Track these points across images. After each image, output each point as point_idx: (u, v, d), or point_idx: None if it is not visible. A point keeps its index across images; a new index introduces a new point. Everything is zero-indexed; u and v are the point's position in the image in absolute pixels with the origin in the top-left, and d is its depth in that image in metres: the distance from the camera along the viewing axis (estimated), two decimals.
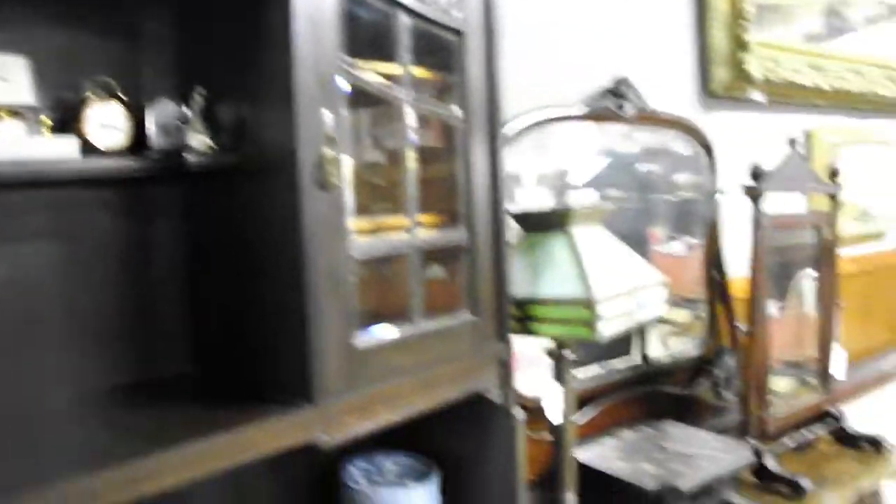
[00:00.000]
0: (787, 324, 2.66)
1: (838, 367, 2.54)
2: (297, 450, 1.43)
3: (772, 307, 2.61)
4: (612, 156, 2.44)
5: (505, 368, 1.60)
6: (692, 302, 2.66)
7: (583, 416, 2.23)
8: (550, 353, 1.83)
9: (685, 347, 2.59)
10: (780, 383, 2.49)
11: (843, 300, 3.35)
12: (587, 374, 2.30)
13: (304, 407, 1.22)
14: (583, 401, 2.25)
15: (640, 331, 2.48)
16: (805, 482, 2.16)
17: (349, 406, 1.28)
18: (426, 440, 1.74)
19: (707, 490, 2.04)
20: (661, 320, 2.57)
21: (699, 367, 2.58)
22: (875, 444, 2.50)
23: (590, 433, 2.23)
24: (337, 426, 1.27)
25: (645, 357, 2.47)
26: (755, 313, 2.28)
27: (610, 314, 1.62)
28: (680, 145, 2.60)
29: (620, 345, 2.46)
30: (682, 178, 2.68)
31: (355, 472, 1.69)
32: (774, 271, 2.49)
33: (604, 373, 2.35)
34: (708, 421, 2.52)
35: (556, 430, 1.86)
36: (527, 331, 1.71)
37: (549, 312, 1.67)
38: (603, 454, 2.11)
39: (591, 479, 2.03)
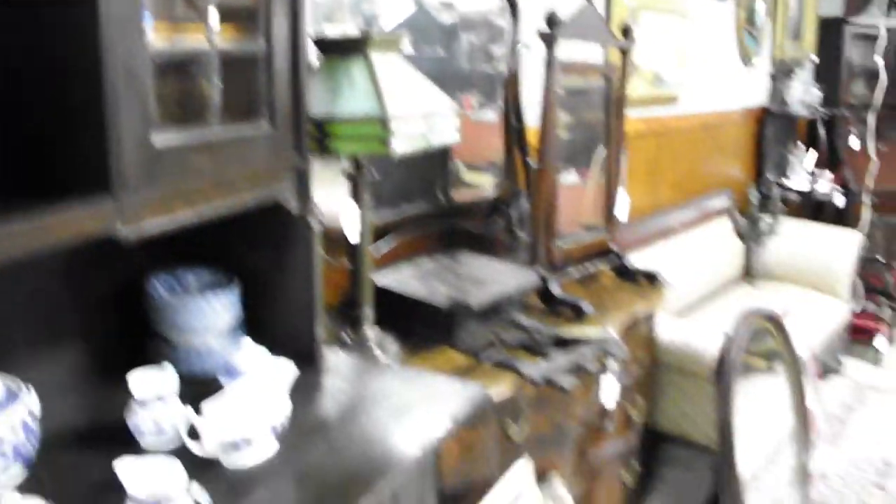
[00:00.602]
0: (587, 193, 2.86)
1: (621, 209, 2.76)
2: (99, 250, 1.49)
3: (572, 176, 2.80)
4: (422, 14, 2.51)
5: (302, 180, 1.67)
6: (497, 166, 2.81)
7: (383, 246, 2.35)
8: (348, 174, 1.92)
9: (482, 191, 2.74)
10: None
11: (632, 155, 3.61)
12: (390, 210, 2.42)
13: (103, 199, 1.26)
14: (383, 232, 2.37)
15: (442, 173, 2.61)
16: (586, 306, 2.38)
17: (147, 201, 1.32)
18: (228, 256, 1.80)
19: (496, 309, 2.22)
20: (465, 184, 2.72)
21: (495, 207, 2.74)
22: (651, 279, 2.76)
23: (389, 262, 2.36)
24: (135, 220, 1.31)
25: (446, 196, 2.60)
26: (544, 150, 2.43)
27: (403, 132, 1.72)
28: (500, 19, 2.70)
29: (423, 187, 2.58)
30: (499, 49, 2.79)
31: (158, 285, 1.74)
32: (575, 146, 2.68)
33: (405, 208, 2.47)
34: (501, 256, 2.69)
35: (353, 249, 1.97)
36: (325, 149, 1.78)
37: (346, 130, 1.75)
38: (400, 278, 2.24)
39: (389, 300, 2.17)
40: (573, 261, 2.70)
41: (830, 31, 5.31)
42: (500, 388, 1.93)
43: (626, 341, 2.46)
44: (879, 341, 4.80)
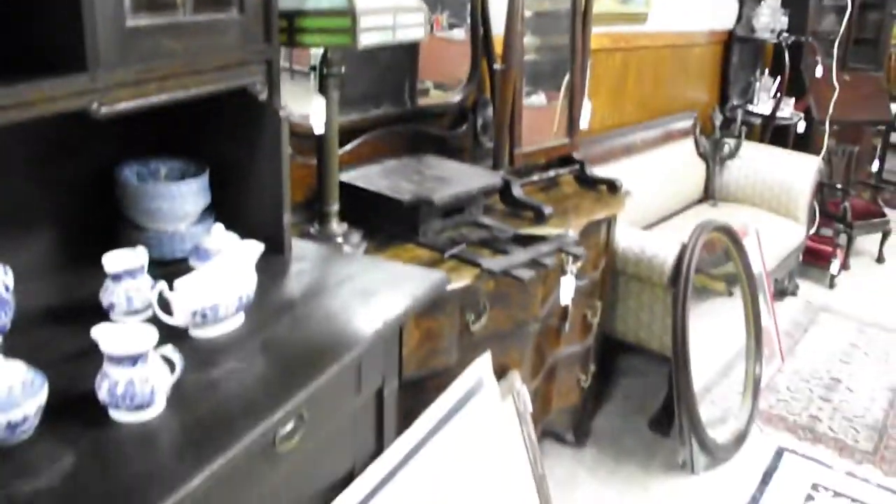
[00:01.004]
0: (554, 114, 2.91)
1: (584, 118, 2.82)
2: (72, 136, 1.53)
3: (540, 99, 2.85)
4: None
5: (272, 70, 1.71)
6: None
7: (349, 146, 2.40)
8: (316, 68, 1.96)
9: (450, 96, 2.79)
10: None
11: (597, 70, 3.66)
12: (357, 111, 2.47)
13: (78, 75, 1.30)
14: (350, 133, 2.42)
15: (410, 78, 2.65)
16: (547, 208, 2.45)
17: (121, 80, 1.37)
18: (198, 147, 1.84)
19: (459, 208, 2.29)
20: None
21: (462, 114, 2.79)
22: (611, 187, 2.83)
23: (355, 161, 2.41)
24: (110, 98, 1.36)
25: (412, 101, 2.64)
26: (508, 53, 2.47)
27: (370, 26, 1.76)
28: None
29: (390, 91, 2.63)
30: None
31: (130, 173, 1.78)
32: (543, 69, 2.72)
33: (372, 111, 2.52)
34: (466, 162, 2.75)
35: (320, 140, 2.02)
36: (294, 42, 1.82)
37: (315, 23, 1.79)
38: (366, 175, 2.30)
39: (355, 197, 2.23)
40: (536, 168, 2.77)
41: None
42: (461, 281, 2.00)
43: (584, 245, 2.54)
44: (834, 266, 4.94)
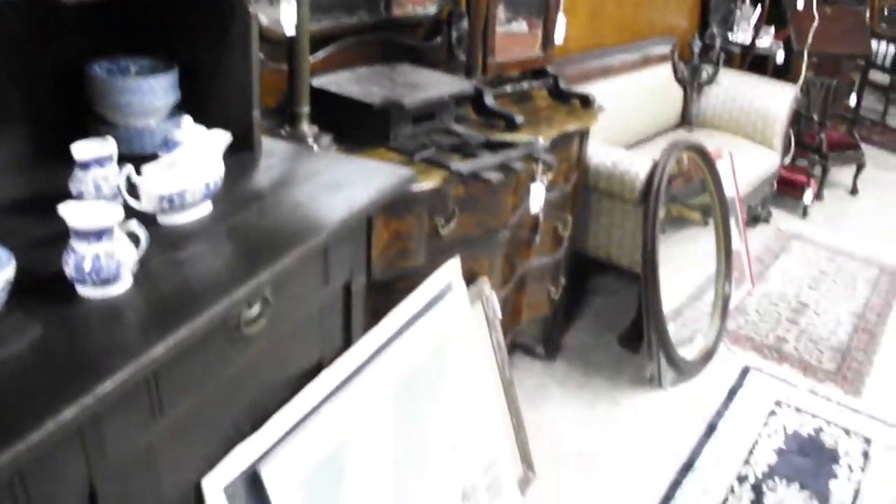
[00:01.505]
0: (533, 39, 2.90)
1: (558, 31, 2.82)
2: (40, 31, 1.52)
3: (521, 26, 2.84)
4: None
5: None
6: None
7: (322, 53, 2.39)
8: None
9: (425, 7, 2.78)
10: None
11: None
12: (330, 18, 2.45)
13: None
14: (323, 40, 2.41)
15: None
16: (518, 118, 2.46)
17: None
18: (168, 44, 1.83)
19: (431, 114, 2.30)
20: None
21: (437, 25, 2.78)
22: (584, 101, 2.84)
23: (328, 68, 2.40)
24: None
25: (387, 10, 2.63)
26: None
27: None
28: None
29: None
30: None
31: (100, 69, 1.78)
32: None
33: (344, 18, 2.50)
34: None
35: (291, 43, 2.01)
36: None
37: None
38: (337, 81, 2.30)
39: (327, 101, 2.23)
40: (509, 80, 2.77)
41: None
42: (430, 183, 2.02)
43: (555, 157, 2.57)
44: (807, 196, 4.99)
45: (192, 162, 1.52)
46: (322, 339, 1.76)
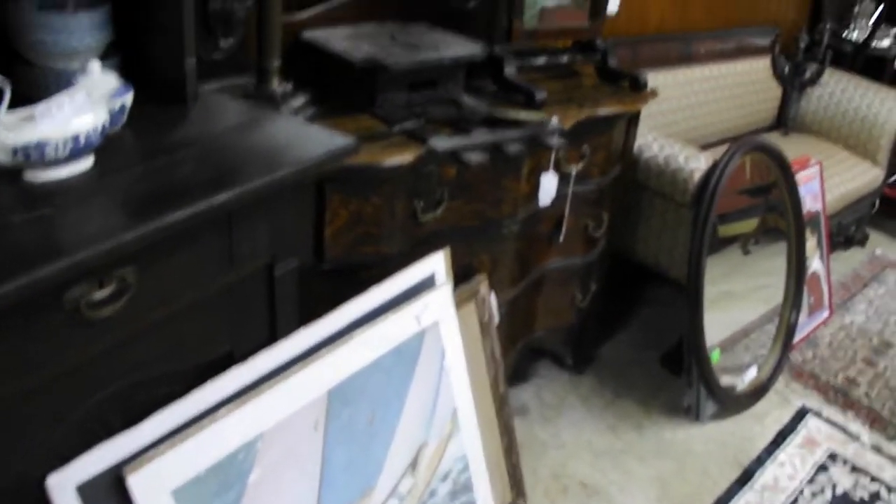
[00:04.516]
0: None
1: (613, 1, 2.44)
2: None
3: None
4: None
5: None
6: None
7: (325, 5, 2.10)
8: None
9: None
10: None
11: None
12: None
13: None
14: None
15: None
16: (540, 94, 2.11)
17: None
18: None
19: (429, 81, 1.98)
20: None
21: None
22: (634, 83, 2.46)
23: (335, 23, 2.11)
24: None
25: None
26: None
27: None
28: None
29: None
30: None
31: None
32: None
33: None
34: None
35: None
36: None
37: None
38: (330, 36, 2.00)
39: (314, 58, 1.95)
40: (545, 51, 2.41)
41: None
42: (401, 158, 1.71)
43: (585, 144, 2.21)
44: None
45: (64, 111, 1.25)
46: (232, 328, 1.49)
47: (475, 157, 1.72)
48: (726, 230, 2.78)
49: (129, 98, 1.45)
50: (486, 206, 1.99)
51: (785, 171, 2.90)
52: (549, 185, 2.08)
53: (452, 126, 1.87)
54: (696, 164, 2.57)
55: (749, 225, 3.08)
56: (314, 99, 1.89)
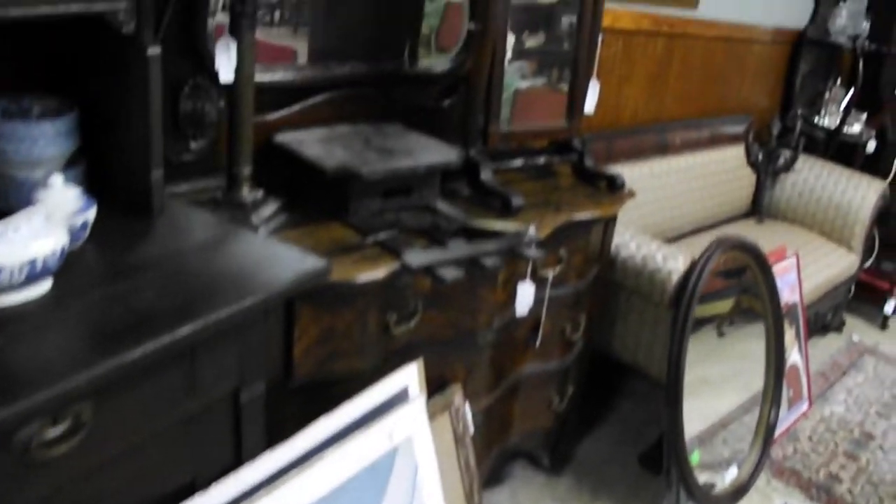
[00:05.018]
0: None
1: (589, 99, 2.43)
2: None
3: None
4: None
5: None
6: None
7: (298, 106, 2.07)
8: (230, 4, 1.63)
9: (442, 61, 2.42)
10: None
11: (634, 55, 3.25)
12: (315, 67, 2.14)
13: None
14: (304, 92, 2.09)
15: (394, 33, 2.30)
16: (517, 199, 2.08)
17: None
18: (71, 85, 1.55)
19: (404, 188, 1.94)
20: None
21: (455, 82, 2.42)
22: (611, 184, 2.44)
23: (307, 124, 2.07)
24: None
25: (399, 61, 2.27)
26: (490, 5, 2.08)
27: None
28: None
29: (367, 45, 2.28)
30: None
31: None
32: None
33: (336, 67, 2.17)
34: (446, 140, 2.39)
35: (230, 91, 1.69)
36: None
37: None
38: (303, 139, 1.97)
39: (285, 162, 1.91)
40: (522, 152, 2.38)
41: None
42: (375, 273, 1.66)
43: (564, 249, 2.18)
44: (889, 305, 4.44)
45: (21, 234, 1.20)
46: (195, 457, 1.41)
47: (450, 274, 1.67)
48: (702, 311, 2.73)
49: (91, 214, 1.40)
50: (461, 316, 1.93)
51: (763, 269, 2.88)
52: (526, 295, 2.03)
53: (427, 236, 1.83)
54: (674, 264, 2.53)
55: (724, 306, 3.05)
56: (286, 205, 1.84)
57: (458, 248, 1.76)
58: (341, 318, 1.67)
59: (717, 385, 3.08)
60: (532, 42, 2.35)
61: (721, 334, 3.34)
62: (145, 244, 1.45)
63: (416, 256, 1.68)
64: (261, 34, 1.79)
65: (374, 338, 1.75)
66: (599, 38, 2.37)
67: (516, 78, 2.30)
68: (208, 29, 1.84)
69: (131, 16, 1.39)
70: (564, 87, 2.44)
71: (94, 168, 1.57)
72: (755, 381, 3.17)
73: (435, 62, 2.39)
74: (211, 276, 1.35)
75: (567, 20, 2.43)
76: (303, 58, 2.11)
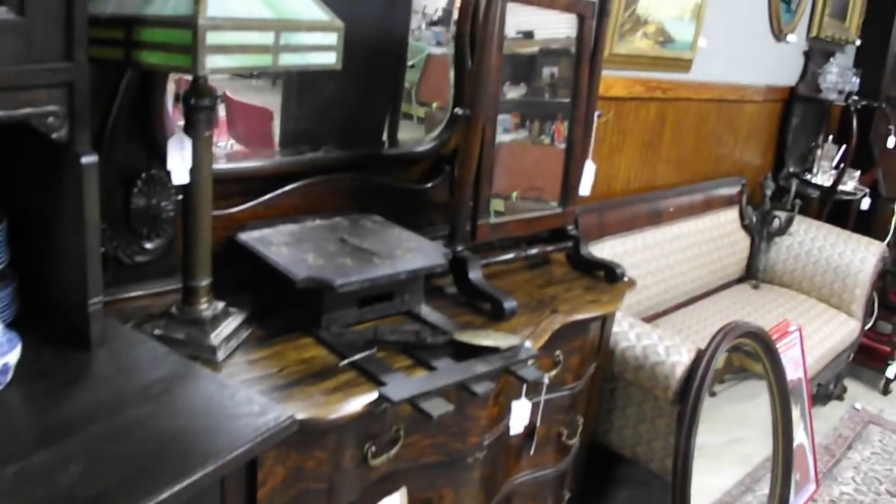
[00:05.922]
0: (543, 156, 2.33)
1: (584, 181, 2.24)
2: None
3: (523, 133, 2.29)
4: None
5: (73, 97, 1.19)
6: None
7: (267, 197, 1.87)
8: (183, 97, 1.43)
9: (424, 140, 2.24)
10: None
11: (626, 122, 3.08)
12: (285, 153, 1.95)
13: None
14: (274, 180, 1.90)
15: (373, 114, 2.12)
16: (510, 302, 1.87)
17: None
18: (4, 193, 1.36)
19: (385, 295, 1.74)
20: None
21: (438, 162, 2.24)
22: (610, 274, 2.24)
23: (275, 216, 1.88)
24: None
25: (393, 137, 2.09)
26: (477, 91, 1.90)
27: (221, 43, 1.22)
28: None
29: (343, 128, 2.10)
30: None
31: None
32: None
33: (309, 152, 1.99)
34: (431, 223, 2.20)
35: (185, 193, 1.49)
36: (131, 60, 1.30)
37: (154, 36, 1.26)
38: (270, 238, 1.76)
39: (252, 264, 1.70)
40: (512, 243, 2.19)
41: (880, 14, 4.70)
42: (353, 406, 1.44)
43: (564, 350, 1.98)
44: (891, 369, 4.26)
45: None
46: None
47: (438, 409, 1.46)
48: None
49: (14, 356, 1.19)
50: (448, 438, 1.72)
51: (770, 353, 2.68)
52: (521, 413, 1.82)
53: (410, 353, 1.62)
54: (678, 357, 2.33)
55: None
56: (250, 317, 1.63)
57: (446, 372, 1.55)
58: (311, 457, 1.45)
59: (714, 456, 2.91)
60: (513, 94, 2.17)
61: (713, 394, 3.16)
62: (79, 389, 1.24)
63: (398, 387, 1.46)
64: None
65: (349, 473, 1.53)
66: (595, 117, 2.18)
67: (498, 132, 2.12)
68: (164, 117, 1.66)
69: (63, 121, 1.19)
70: (546, 139, 2.27)
71: (26, 285, 1.37)
72: (753, 451, 3.00)
73: (416, 142, 2.21)
74: (154, 437, 1.13)
75: (548, 71, 2.27)
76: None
